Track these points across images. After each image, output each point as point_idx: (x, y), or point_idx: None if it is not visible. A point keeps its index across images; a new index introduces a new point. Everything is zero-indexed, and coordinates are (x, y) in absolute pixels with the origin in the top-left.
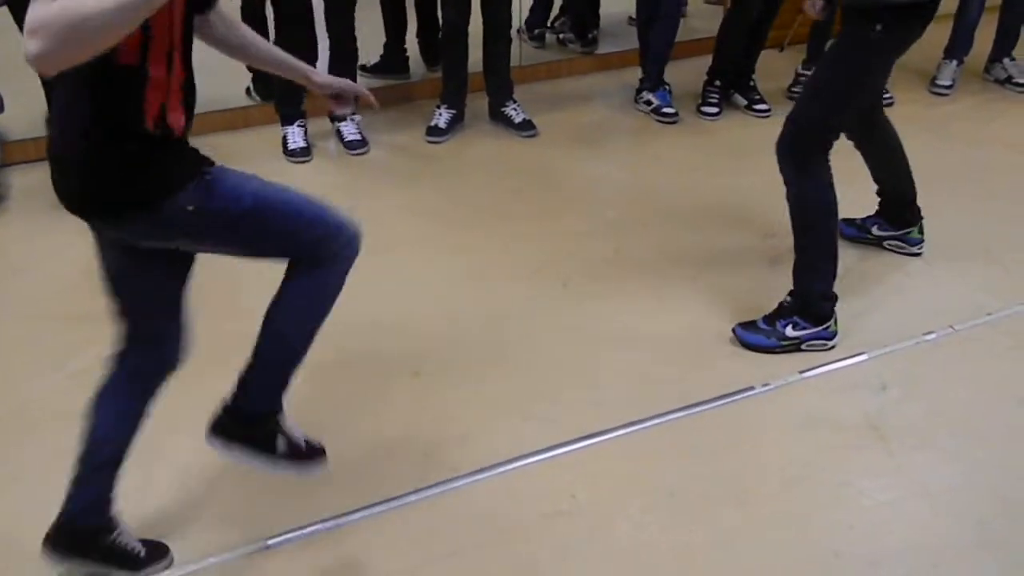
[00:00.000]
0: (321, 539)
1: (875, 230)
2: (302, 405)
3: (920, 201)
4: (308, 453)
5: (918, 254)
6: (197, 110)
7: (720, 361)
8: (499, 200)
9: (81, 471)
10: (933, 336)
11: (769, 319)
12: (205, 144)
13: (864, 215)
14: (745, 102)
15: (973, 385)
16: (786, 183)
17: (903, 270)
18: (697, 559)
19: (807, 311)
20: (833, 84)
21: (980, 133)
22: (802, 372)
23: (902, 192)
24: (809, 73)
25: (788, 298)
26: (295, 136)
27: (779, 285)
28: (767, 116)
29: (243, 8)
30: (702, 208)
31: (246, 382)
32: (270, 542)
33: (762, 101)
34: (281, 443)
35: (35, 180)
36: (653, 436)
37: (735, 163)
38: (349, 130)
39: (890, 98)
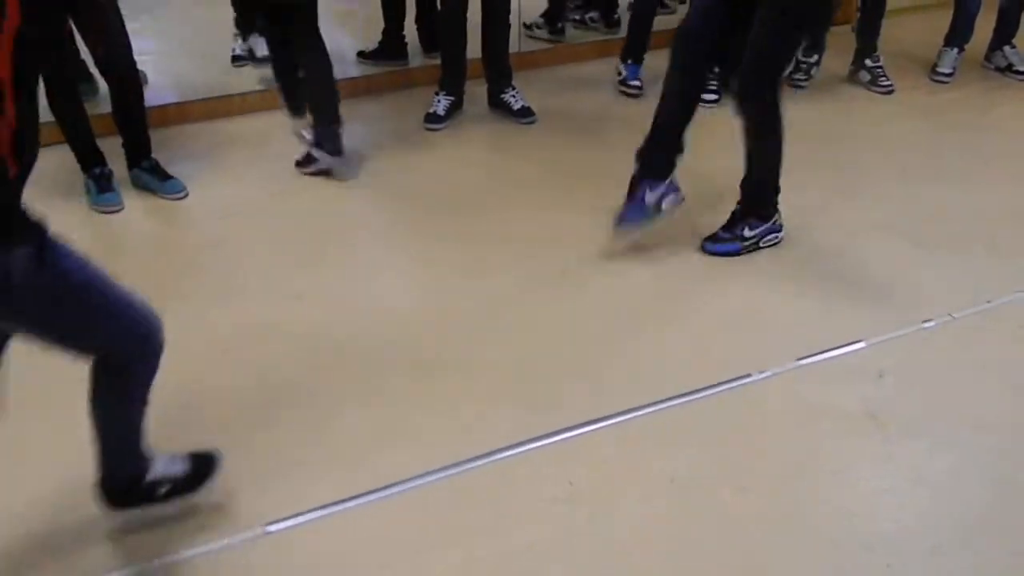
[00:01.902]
0: (321, 525)
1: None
2: (301, 393)
3: (920, 189)
4: (196, 475)
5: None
6: (211, 94)
7: (717, 348)
8: (496, 187)
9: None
10: (931, 324)
11: (728, 227)
12: (210, 129)
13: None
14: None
15: (971, 373)
16: (749, 118)
17: (902, 257)
18: (696, 545)
19: (759, 212)
20: (796, 29)
21: (981, 121)
22: (799, 359)
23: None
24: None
25: (738, 207)
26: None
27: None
28: None
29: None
30: (704, 192)
31: (102, 460)
32: (270, 528)
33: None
34: (163, 488)
35: None
36: (651, 423)
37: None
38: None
39: (890, 85)
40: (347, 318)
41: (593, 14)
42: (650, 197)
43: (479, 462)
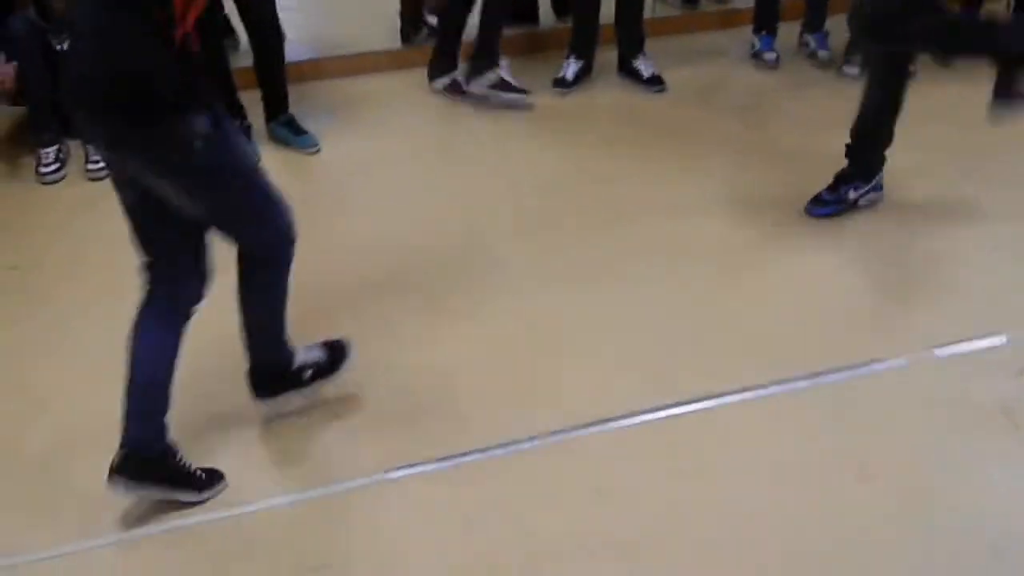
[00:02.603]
0: (437, 476)
1: (850, 194)
2: (414, 344)
3: None
4: (333, 361)
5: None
6: (346, 51)
7: (848, 331)
8: (619, 154)
9: (132, 405)
10: None
11: (832, 189)
12: (343, 85)
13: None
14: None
15: None
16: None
17: None
18: (809, 531)
19: (866, 174)
20: None
21: None
22: (935, 348)
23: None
24: None
25: (846, 168)
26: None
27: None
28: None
29: None
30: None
31: (252, 350)
32: (389, 474)
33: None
34: (307, 373)
35: None
36: (774, 404)
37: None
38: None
39: None
40: (469, 262)
41: None
42: (853, 195)
43: (594, 428)
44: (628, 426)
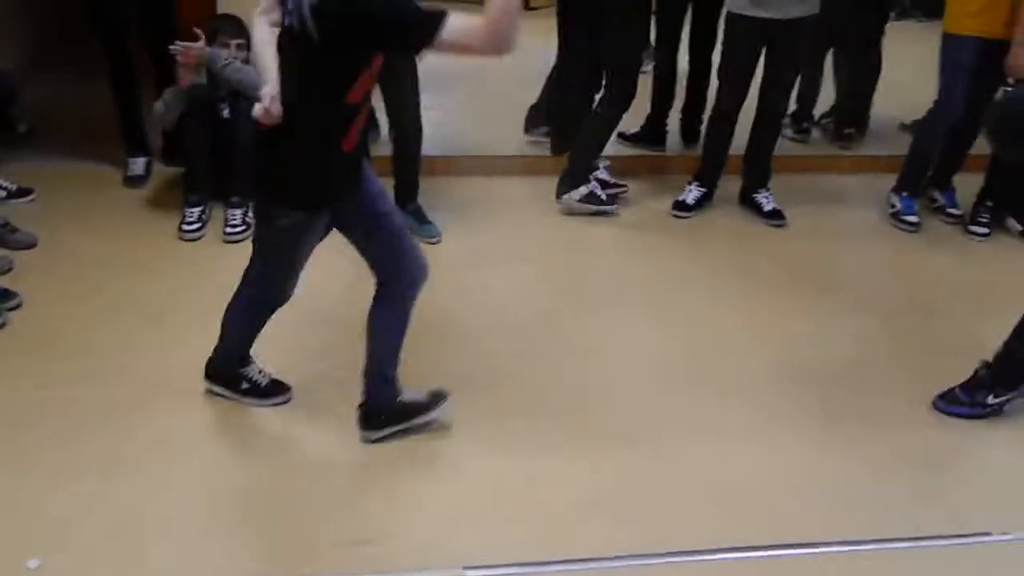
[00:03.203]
0: None
1: (990, 399)
2: (533, 429)
3: None
4: (430, 404)
5: None
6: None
7: (955, 495)
8: (732, 281)
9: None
10: None
11: (967, 388)
12: (478, 184)
13: None
14: (1021, 228)
15: None
16: None
17: None
18: None
19: (1008, 380)
20: None
21: None
22: None
23: None
24: None
25: (984, 369)
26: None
27: None
28: None
29: None
30: (946, 333)
31: (367, 383)
32: (467, 572)
33: None
34: (408, 409)
35: None
36: (873, 560)
37: (994, 295)
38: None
39: None
40: (554, 388)
41: (829, 121)
42: (993, 400)
43: (682, 558)
44: (717, 560)
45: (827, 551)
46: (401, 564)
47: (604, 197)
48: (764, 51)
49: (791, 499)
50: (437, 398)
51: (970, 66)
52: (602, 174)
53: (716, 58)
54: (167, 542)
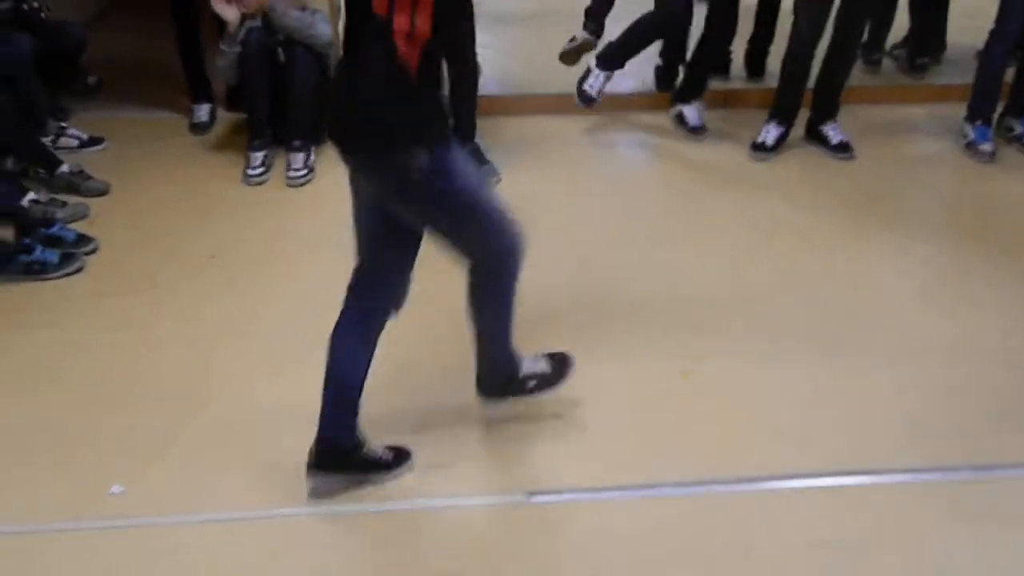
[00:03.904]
0: (578, 506)
1: None
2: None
3: None
4: (556, 373)
5: None
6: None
7: (1020, 428)
8: (803, 217)
9: (328, 402)
10: None
11: None
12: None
13: None
14: None
15: None
16: None
17: None
18: None
19: None
20: None
21: None
22: None
23: None
24: None
25: None
26: (593, 80)
27: None
28: None
29: None
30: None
31: (481, 359)
32: (533, 498)
33: None
34: (531, 383)
35: None
36: (928, 490)
37: None
38: (693, 115)
39: None
40: (622, 329)
41: (901, 51)
42: None
43: (738, 487)
44: (779, 489)
45: (880, 480)
46: (470, 488)
47: (593, 93)
48: None
49: (867, 425)
50: (562, 366)
51: None
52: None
53: None
54: (239, 472)
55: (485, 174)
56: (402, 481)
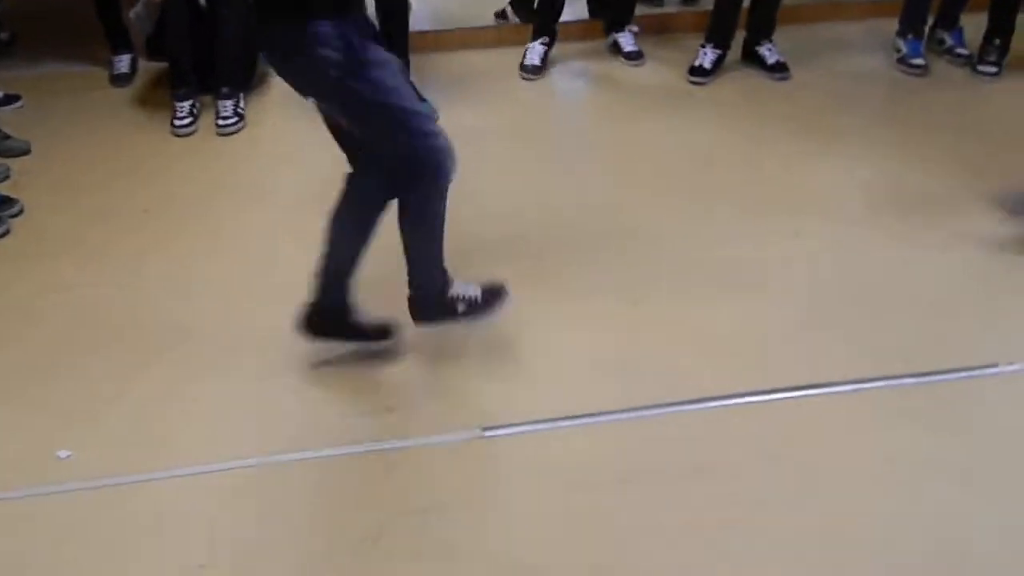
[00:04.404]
0: (532, 438)
1: None
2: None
3: None
4: (487, 302)
5: None
6: (450, 26)
7: (960, 332)
8: (742, 144)
9: (323, 275)
10: None
11: None
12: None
13: None
14: None
15: None
16: None
17: None
18: (907, 530)
19: None
20: None
21: None
22: None
23: None
24: None
25: None
26: (533, 53)
27: None
28: None
29: None
30: (947, 171)
31: (410, 273)
32: (487, 432)
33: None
34: (461, 306)
35: None
36: (876, 398)
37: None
38: (628, 41)
39: None
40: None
41: None
42: None
43: (690, 406)
44: (728, 406)
45: (835, 391)
46: (422, 429)
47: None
48: None
49: (789, 345)
50: (493, 296)
51: None
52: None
53: None
54: (190, 429)
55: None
56: (358, 423)
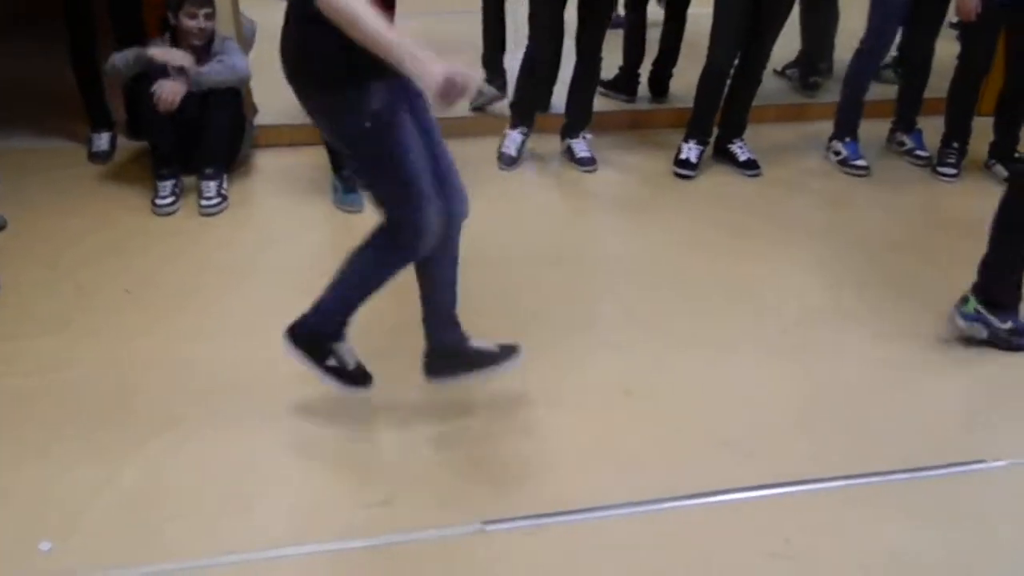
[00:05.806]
0: (530, 533)
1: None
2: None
3: None
4: (501, 356)
5: None
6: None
7: (950, 428)
8: (718, 234)
9: (328, 294)
10: None
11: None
12: None
13: None
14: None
15: None
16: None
17: None
18: None
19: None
20: None
21: None
22: None
23: None
24: None
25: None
26: (509, 143)
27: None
28: None
29: None
30: (911, 267)
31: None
32: (488, 527)
33: None
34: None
35: (287, 163)
36: (872, 494)
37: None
38: (580, 147)
39: None
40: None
41: (793, 71)
42: (999, 326)
43: (689, 502)
44: (722, 502)
45: (822, 487)
46: (421, 522)
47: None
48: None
49: (781, 437)
50: (509, 351)
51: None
52: (580, 144)
53: (692, 11)
54: (180, 519)
55: (349, 203)
56: (352, 517)
